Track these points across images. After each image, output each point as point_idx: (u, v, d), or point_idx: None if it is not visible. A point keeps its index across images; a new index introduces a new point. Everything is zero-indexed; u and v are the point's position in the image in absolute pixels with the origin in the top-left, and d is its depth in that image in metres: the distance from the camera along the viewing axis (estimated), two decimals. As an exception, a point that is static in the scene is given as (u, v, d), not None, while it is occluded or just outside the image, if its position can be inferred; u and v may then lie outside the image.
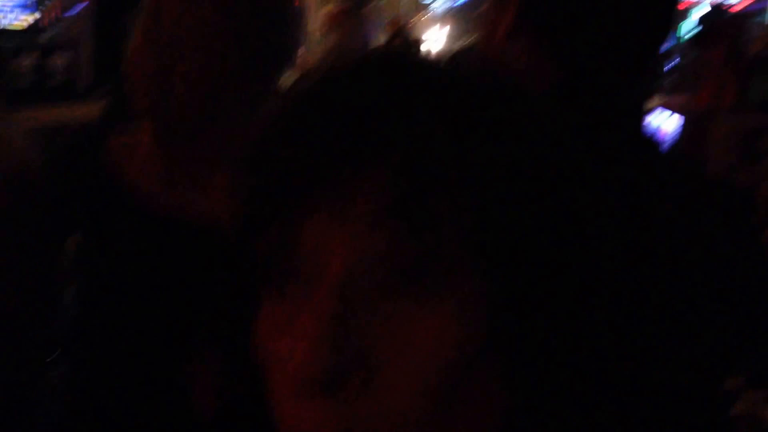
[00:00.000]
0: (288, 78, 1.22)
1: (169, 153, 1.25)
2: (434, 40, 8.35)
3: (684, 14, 8.14)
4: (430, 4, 8.53)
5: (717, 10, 7.75)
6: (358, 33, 3.18)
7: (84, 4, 7.83)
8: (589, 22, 0.87)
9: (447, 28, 8.89)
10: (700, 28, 7.70)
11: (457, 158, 0.48)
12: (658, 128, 2.76)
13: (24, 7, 6.61)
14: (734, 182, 2.46)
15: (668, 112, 2.67)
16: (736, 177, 2.44)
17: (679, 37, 7.96)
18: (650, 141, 0.97)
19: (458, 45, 7.45)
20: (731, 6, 8.00)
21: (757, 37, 2.52)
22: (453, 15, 8.78)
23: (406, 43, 0.58)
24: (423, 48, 0.52)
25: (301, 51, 1.27)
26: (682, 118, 2.57)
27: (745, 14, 6.22)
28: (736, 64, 2.42)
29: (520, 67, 0.90)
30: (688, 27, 7.94)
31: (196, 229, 1.22)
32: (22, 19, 6.56)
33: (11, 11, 6.47)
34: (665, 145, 2.70)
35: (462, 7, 8.64)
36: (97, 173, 1.29)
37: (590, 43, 0.88)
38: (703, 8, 7.70)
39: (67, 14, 7.45)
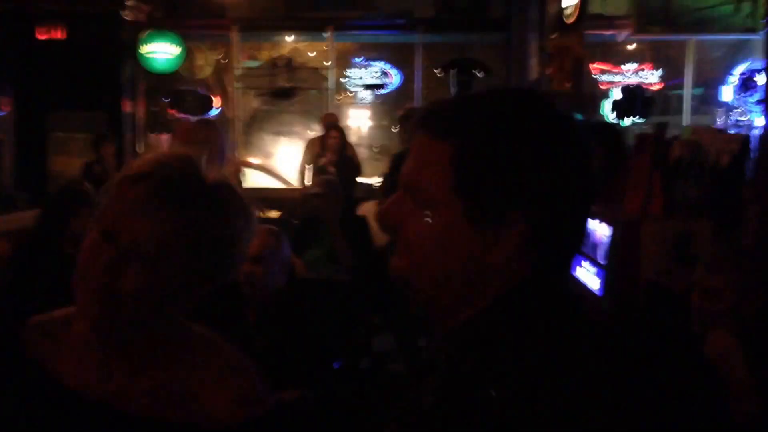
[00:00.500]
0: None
1: (107, 343, 1.23)
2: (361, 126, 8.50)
3: (605, 94, 8.51)
4: (355, 95, 8.70)
5: (635, 88, 8.15)
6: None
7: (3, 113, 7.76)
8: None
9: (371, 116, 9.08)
10: (621, 98, 8.01)
11: None
12: (590, 235, 2.83)
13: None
14: (669, 287, 2.53)
15: (597, 221, 2.75)
16: (671, 281, 2.50)
17: (602, 116, 8.31)
18: None
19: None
20: (648, 86, 8.39)
21: (677, 142, 2.62)
22: (379, 104, 8.96)
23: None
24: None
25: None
26: (611, 227, 2.64)
27: (666, 122, 6.51)
28: (660, 171, 2.51)
29: None
30: (609, 106, 8.29)
31: (131, 420, 1.20)
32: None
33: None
34: (600, 253, 2.76)
35: (385, 97, 8.84)
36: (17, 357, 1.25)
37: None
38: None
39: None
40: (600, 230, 2.77)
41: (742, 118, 7.39)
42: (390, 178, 6.57)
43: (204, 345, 1.31)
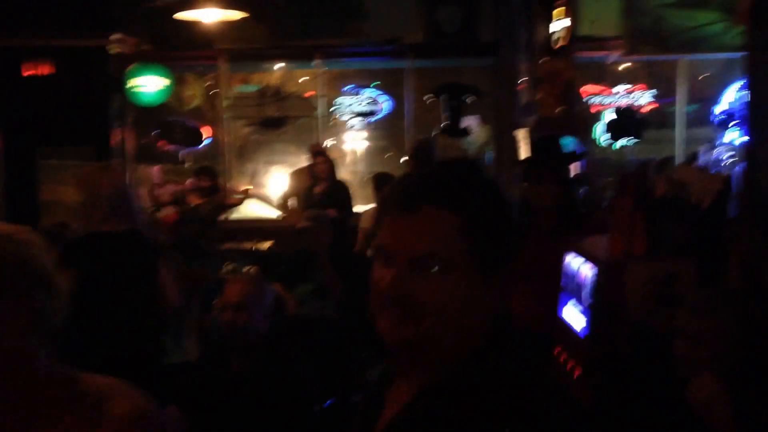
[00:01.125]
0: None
1: None
2: (354, 154, 8.50)
3: (597, 117, 8.53)
4: (347, 121, 8.72)
5: (627, 109, 8.17)
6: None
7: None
8: None
9: (365, 144, 9.10)
10: (615, 118, 8.02)
11: None
12: (575, 275, 2.81)
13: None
14: (653, 328, 2.51)
15: (582, 259, 2.73)
16: (655, 323, 2.48)
17: (594, 139, 8.33)
18: None
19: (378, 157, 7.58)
20: (640, 107, 8.41)
21: (661, 180, 2.61)
22: (370, 130, 8.97)
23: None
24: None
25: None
26: (595, 267, 2.63)
27: (649, 162, 6.53)
28: (644, 211, 2.50)
29: None
30: (600, 128, 8.30)
31: None
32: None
33: None
34: (585, 293, 2.75)
35: (376, 124, 8.86)
36: None
37: None
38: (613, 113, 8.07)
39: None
40: (584, 270, 2.76)
41: (725, 156, 7.40)
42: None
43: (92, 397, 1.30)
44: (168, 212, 8.03)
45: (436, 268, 1.08)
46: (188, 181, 7.60)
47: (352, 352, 4.55)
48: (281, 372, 3.13)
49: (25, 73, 7.91)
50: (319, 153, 7.42)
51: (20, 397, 1.32)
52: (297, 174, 7.81)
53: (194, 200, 7.16)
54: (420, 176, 1.18)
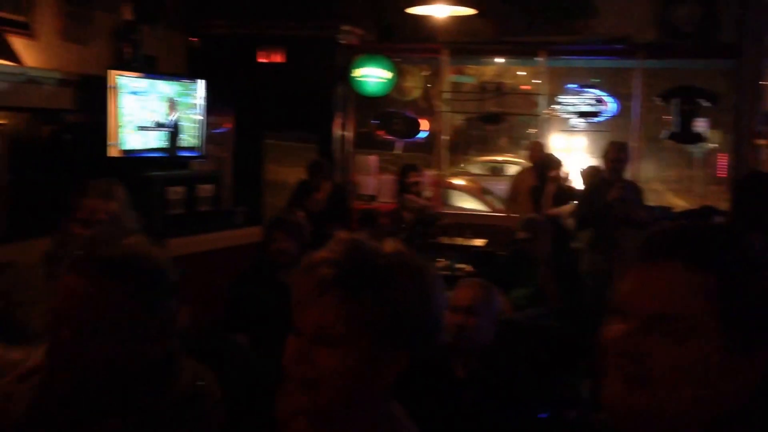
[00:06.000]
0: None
1: None
2: (572, 155, 8.32)
3: None
4: (568, 120, 8.55)
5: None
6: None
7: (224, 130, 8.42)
8: None
9: (584, 144, 8.88)
10: None
11: None
12: None
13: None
14: None
15: None
16: None
17: None
18: None
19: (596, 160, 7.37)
20: None
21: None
22: (591, 131, 8.75)
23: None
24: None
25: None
26: None
27: None
28: None
29: None
30: None
31: None
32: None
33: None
34: None
35: (599, 126, 8.61)
36: None
37: None
38: None
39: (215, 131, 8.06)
40: None
41: None
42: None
43: None
44: (385, 201, 8.33)
45: (675, 331, 0.98)
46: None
47: (567, 364, 4.49)
48: (504, 379, 3.15)
49: (259, 60, 8.46)
50: (552, 161, 7.38)
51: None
52: (523, 174, 7.79)
53: (412, 199, 7.33)
54: (674, 227, 1.07)
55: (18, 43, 5.40)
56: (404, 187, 7.49)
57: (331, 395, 1.20)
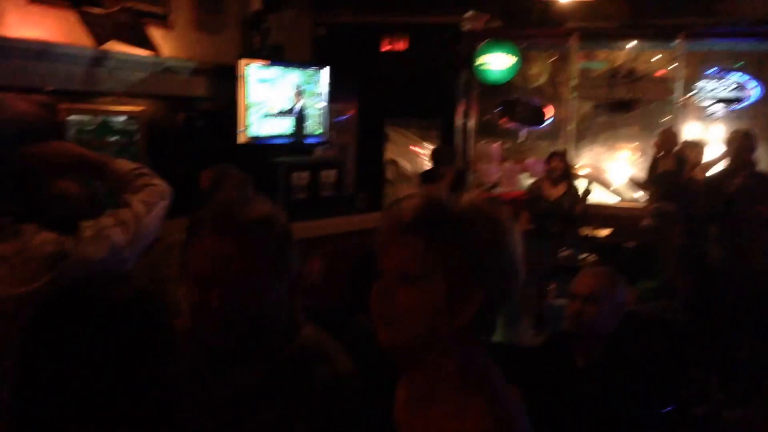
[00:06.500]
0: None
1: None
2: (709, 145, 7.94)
3: None
4: (707, 108, 8.18)
5: None
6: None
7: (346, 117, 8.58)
8: None
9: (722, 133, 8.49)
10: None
11: None
12: None
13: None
14: None
15: None
16: None
17: None
18: None
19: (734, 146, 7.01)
20: None
21: None
22: (731, 119, 8.34)
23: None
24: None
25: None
26: None
27: None
28: None
29: None
30: None
31: None
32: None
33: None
34: None
35: (739, 113, 8.19)
36: None
37: None
38: None
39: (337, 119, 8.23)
40: None
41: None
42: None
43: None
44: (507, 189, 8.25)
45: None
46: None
47: (695, 360, 4.34)
48: (626, 371, 3.08)
49: (383, 49, 8.55)
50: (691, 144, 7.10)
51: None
52: (661, 160, 7.51)
53: (547, 187, 7.15)
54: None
55: (156, 34, 5.68)
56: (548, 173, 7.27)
57: (409, 331, 1.32)
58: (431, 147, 7.82)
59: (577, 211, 7.00)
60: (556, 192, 7.05)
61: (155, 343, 1.30)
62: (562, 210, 6.94)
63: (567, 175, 7.13)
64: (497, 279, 1.33)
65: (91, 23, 4.90)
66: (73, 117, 4.98)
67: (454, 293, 1.31)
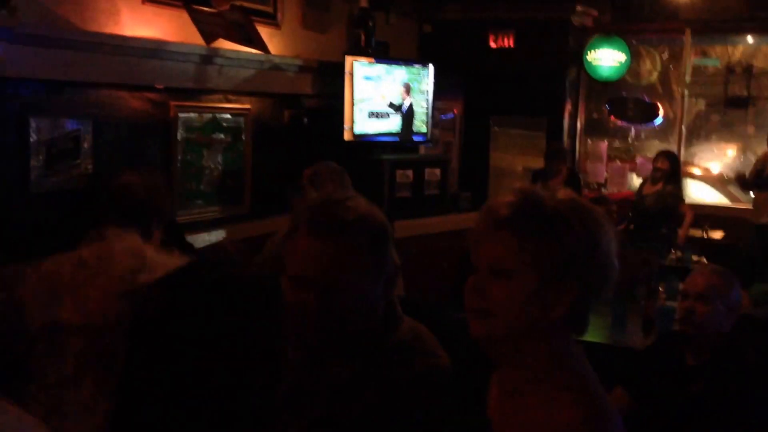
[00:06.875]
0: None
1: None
2: None
3: None
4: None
5: None
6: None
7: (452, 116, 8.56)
8: None
9: None
10: None
11: None
12: None
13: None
14: None
15: None
16: None
17: None
18: None
19: None
20: None
21: None
22: None
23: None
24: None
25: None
26: None
27: None
28: None
29: None
30: None
31: None
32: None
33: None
34: None
35: None
36: None
37: None
38: None
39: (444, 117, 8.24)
40: None
41: None
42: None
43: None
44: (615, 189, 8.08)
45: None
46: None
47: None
48: (739, 373, 2.99)
49: (491, 45, 8.49)
50: None
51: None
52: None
53: (650, 188, 6.97)
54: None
55: (264, 32, 5.84)
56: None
57: (505, 324, 1.35)
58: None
59: (681, 212, 6.79)
60: (661, 192, 6.85)
61: (273, 328, 1.32)
62: (666, 210, 6.74)
63: (674, 174, 6.91)
64: (590, 275, 1.35)
65: (201, 22, 5.05)
66: (182, 114, 5.17)
67: (548, 288, 1.34)
